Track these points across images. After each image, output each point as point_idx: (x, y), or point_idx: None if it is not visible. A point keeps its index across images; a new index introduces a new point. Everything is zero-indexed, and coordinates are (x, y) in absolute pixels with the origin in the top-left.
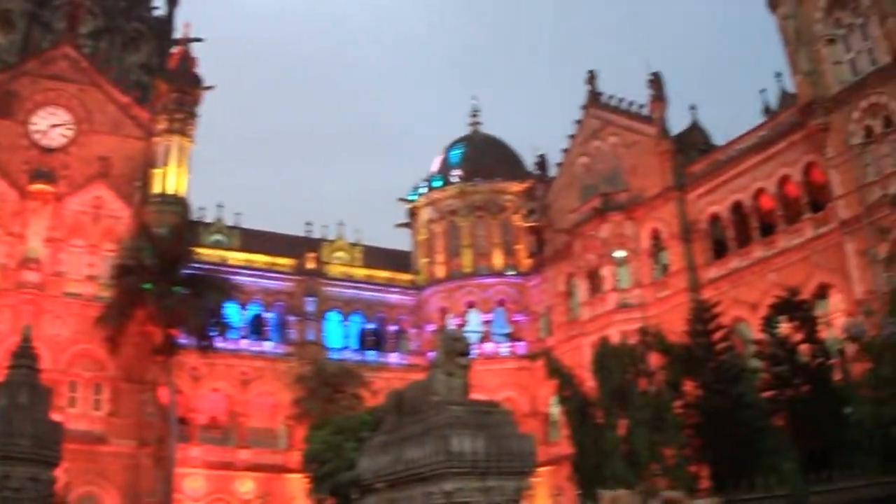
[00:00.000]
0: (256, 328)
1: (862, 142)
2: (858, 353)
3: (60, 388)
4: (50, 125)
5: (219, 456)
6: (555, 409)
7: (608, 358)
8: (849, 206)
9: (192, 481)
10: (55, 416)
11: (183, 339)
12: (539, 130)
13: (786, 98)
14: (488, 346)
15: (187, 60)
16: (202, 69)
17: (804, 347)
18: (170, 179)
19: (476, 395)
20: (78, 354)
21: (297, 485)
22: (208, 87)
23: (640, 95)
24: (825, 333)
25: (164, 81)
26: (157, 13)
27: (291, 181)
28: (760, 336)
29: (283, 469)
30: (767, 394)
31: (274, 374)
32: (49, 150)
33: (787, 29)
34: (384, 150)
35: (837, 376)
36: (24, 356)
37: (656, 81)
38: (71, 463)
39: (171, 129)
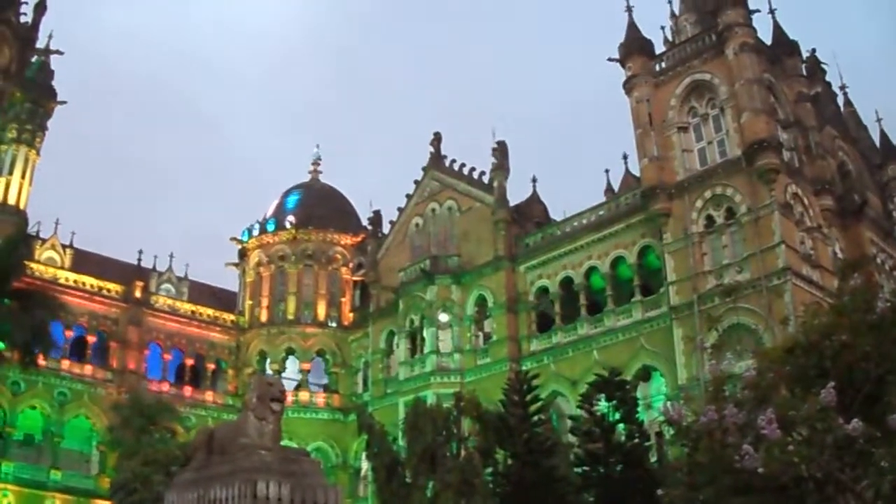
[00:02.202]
0: (79, 350)
1: (702, 231)
2: (676, 436)
3: None
4: None
5: (32, 475)
6: (365, 464)
7: (421, 419)
8: (681, 293)
9: (1, 497)
10: None
11: (6, 353)
12: (380, 188)
13: (629, 180)
14: (304, 395)
15: (45, 72)
16: (58, 83)
17: (621, 427)
18: (12, 190)
19: (287, 443)
20: None
21: None
22: (62, 102)
23: (483, 163)
24: (644, 416)
25: (19, 89)
26: (24, 19)
27: (131, 207)
28: (578, 412)
29: (93, 494)
30: (580, 469)
31: (91, 398)
32: None
33: (639, 112)
34: (227, 186)
35: (653, 458)
36: None
37: (501, 150)
38: None
39: (19, 139)
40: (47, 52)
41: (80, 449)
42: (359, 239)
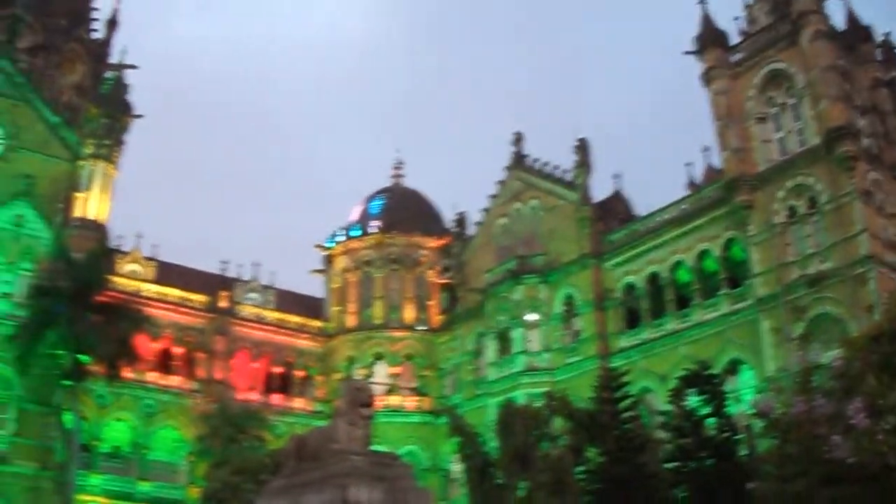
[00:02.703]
0: (165, 362)
1: (784, 221)
2: (765, 429)
3: None
4: None
5: (120, 486)
6: (456, 467)
7: (512, 419)
8: (766, 284)
9: None
10: None
11: (92, 367)
12: (462, 189)
13: (711, 173)
14: (394, 399)
15: (120, 86)
16: (134, 96)
17: (711, 421)
18: (91, 205)
19: (377, 447)
20: None
21: None
22: (138, 116)
23: (565, 160)
24: (734, 409)
25: (95, 105)
26: (96, 35)
27: (213, 217)
28: (668, 408)
29: None
30: (671, 465)
31: (179, 409)
32: None
33: (718, 104)
34: (307, 194)
35: (743, 452)
36: None
37: (582, 147)
38: None
39: (97, 154)
40: (121, 66)
41: (168, 460)
42: (444, 241)
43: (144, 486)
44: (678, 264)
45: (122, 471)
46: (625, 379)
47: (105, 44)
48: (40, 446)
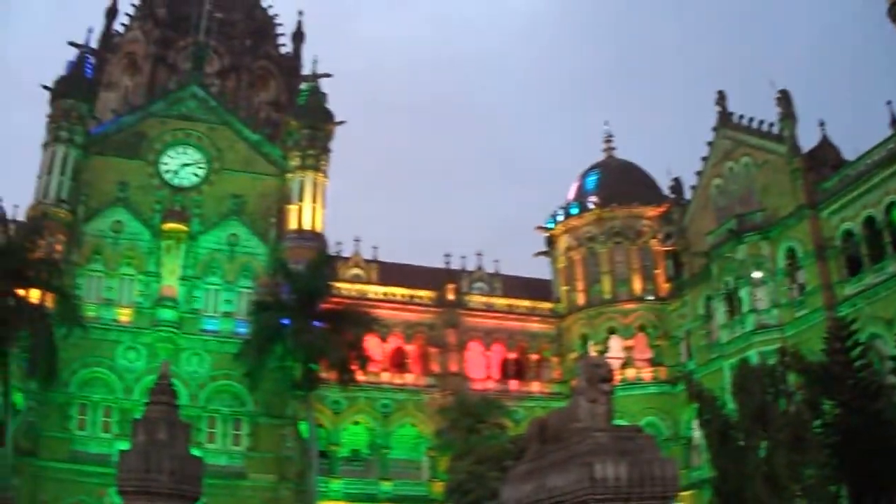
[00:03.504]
0: (397, 361)
1: None
2: None
3: (200, 424)
4: (180, 164)
5: (361, 489)
6: (696, 433)
7: (748, 379)
8: None
9: None
10: (195, 452)
11: (323, 373)
12: (670, 153)
13: None
14: (630, 372)
15: (317, 96)
16: (332, 104)
17: None
18: (305, 215)
19: (618, 422)
20: (217, 390)
21: None
22: (339, 122)
23: (768, 114)
24: None
25: (294, 118)
26: (284, 50)
27: (427, 213)
28: None
29: (425, 500)
30: None
31: (415, 405)
32: (181, 189)
33: None
34: (517, 179)
35: None
36: (162, 393)
37: (784, 99)
38: (211, 498)
39: (304, 166)
40: (315, 77)
41: (408, 457)
42: (663, 209)
43: (386, 486)
44: (892, 205)
45: (362, 473)
46: (853, 327)
47: (295, 57)
48: (277, 458)
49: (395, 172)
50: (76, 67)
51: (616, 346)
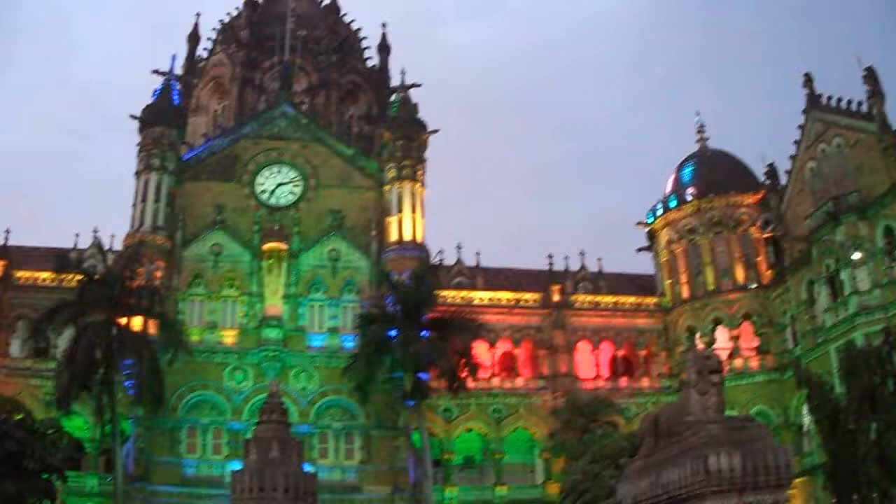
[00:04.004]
0: (506, 365)
1: None
2: None
3: (312, 440)
4: (276, 184)
5: (476, 495)
6: (806, 419)
7: (855, 362)
8: None
9: None
10: (308, 468)
11: (433, 382)
12: (762, 139)
13: None
14: (737, 362)
15: (408, 107)
16: (423, 113)
17: None
18: (405, 226)
19: (728, 412)
20: (327, 406)
21: None
22: (433, 131)
23: (856, 93)
24: None
25: (387, 130)
26: (370, 63)
27: (526, 216)
28: None
29: (541, 503)
30: None
31: (527, 409)
32: (278, 209)
33: None
34: (614, 175)
35: None
36: (273, 411)
37: (871, 76)
38: None
39: (400, 177)
40: (404, 87)
41: (522, 461)
42: (760, 196)
43: (501, 491)
44: None
45: (477, 479)
46: None
47: (382, 69)
48: (391, 469)
49: (491, 177)
50: (163, 95)
51: (722, 336)
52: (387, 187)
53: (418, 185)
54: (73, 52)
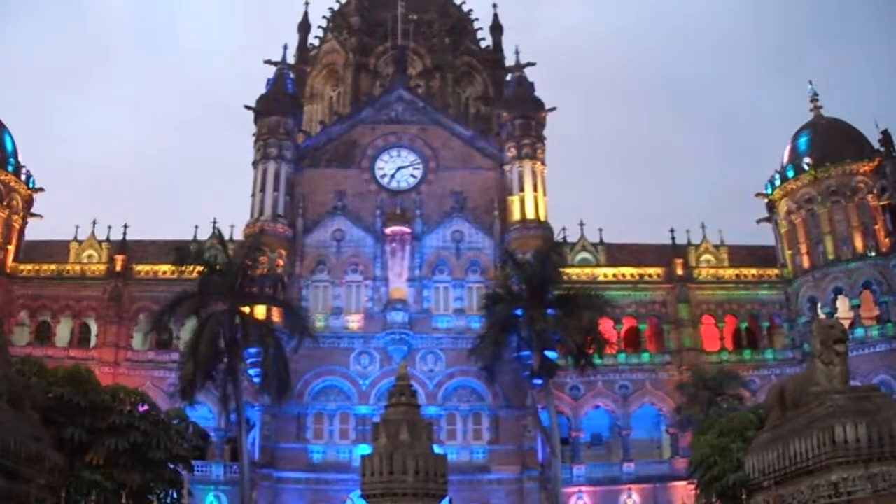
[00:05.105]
0: (632, 340)
1: None
2: None
3: (440, 422)
4: (396, 167)
5: (604, 472)
6: None
7: None
8: None
9: (578, 500)
10: (437, 450)
11: (560, 360)
12: (875, 105)
13: None
14: (858, 332)
15: (524, 86)
16: (539, 91)
17: None
18: (528, 205)
19: (851, 383)
20: (454, 387)
21: (683, 492)
22: (550, 109)
23: None
24: None
25: (505, 110)
26: (483, 44)
27: (646, 190)
28: None
29: (668, 478)
30: None
31: (653, 384)
32: (399, 192)
33: None
34: (732, 146)
35: None
36: (402, 394)
37: None
38: (455, 493)
39: (520, 156)
40: (519, 66)
41: (649, 437)
42: (875, 163)
43: (629, 468)
44: None
45: (604, 456)
46: None
47: (496, 49)
48: (519, 449)
49: (610, 152)
50: (276, 84)
51: (843, 306)
52: (507, 166)
53: (538, 163)
54: (183, 47)
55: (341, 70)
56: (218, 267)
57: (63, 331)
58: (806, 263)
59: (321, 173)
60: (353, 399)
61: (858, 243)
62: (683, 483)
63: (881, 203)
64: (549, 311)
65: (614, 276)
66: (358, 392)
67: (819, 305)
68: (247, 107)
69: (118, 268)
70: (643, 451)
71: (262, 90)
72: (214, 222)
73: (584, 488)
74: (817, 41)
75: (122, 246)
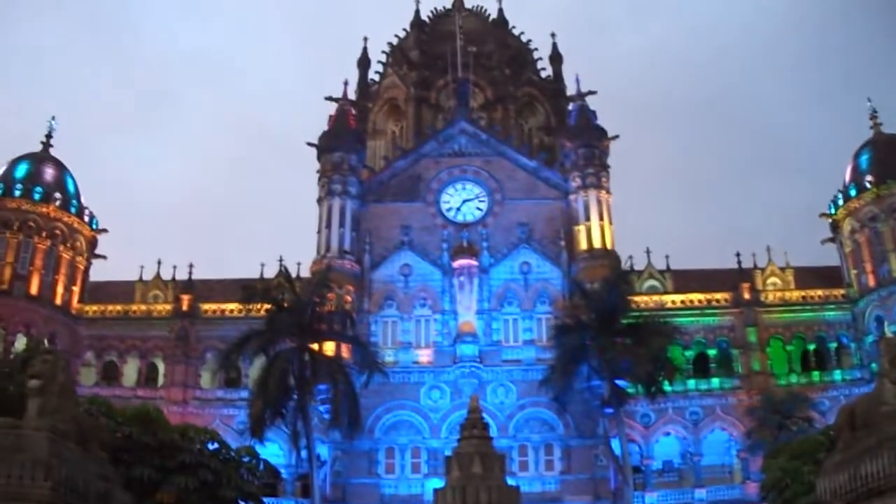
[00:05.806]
0: (701, 366)
1: None
2: None
3: (512, 454)
4: (461, 200)
5: (676, 499)
6: None
7: None
8: None
9: None
10: (510, 482)
11: (630, 389)
12: None
13: None
14: None
15: (586, 114)
16: (601, 120)
17: None
18: (594, 234)
19: None
20: (526, 418)
21: None
22: (613, 137)
23: None
24: None
25: (568, 139)
26: (544, 74)
27: (710, 215)
28: None
29: (740, 503)
30: None
31: (723, 409)
32: (465, 225)
33: None
34: (793, 168)
35: None
36: (474, 427)
37: None
38: None
39: (585, 185)
40: (580, 95)
41: (720, 462)
42: None
43: (700, 494)
44: None
45: (676, 483)
46: None
47: (556, 79)
48: (591, 478)
49: (672, 179)
50: (338, 120)
51: None
52: (572, 196)
53: (603, 191)
54: (244, 87)
55: (403, 104)
56: (286, 304)
57: (130, 370)
58: (871, 282)
59: (387, 208)
60: (425, 433)
61: None
62: None
63: None
64: (619, 339)
65: (682, 302)
66: (429, 426)
67: (886, 324)
68: (309, 143)
69: (185, 307)
70: (715, 477)
71: (324, 127)
72: (281, 260)
73: None
74: (877, 57)
75: (189, 285)
